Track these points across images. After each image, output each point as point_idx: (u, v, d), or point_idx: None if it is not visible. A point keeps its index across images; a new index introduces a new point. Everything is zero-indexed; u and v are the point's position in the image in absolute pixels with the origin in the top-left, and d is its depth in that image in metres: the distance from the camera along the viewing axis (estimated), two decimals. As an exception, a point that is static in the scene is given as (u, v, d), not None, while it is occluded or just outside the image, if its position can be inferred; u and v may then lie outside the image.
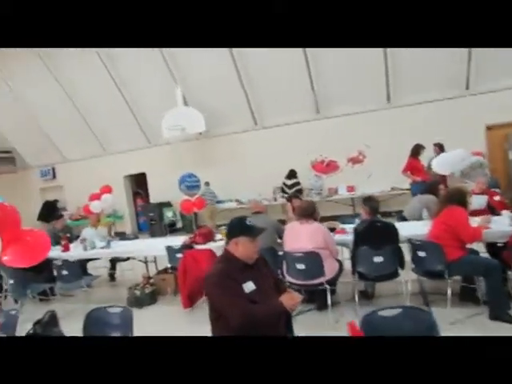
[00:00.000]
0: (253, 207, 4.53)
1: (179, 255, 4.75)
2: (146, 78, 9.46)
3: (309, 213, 3.76)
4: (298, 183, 9.00)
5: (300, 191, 8.65)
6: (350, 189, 9.07)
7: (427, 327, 1.98)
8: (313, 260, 3.61)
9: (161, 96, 9.37)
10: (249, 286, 2.23)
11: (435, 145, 6.67)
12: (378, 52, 7.82)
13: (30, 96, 10.76)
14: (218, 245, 4.79)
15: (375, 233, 3.68)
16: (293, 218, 5.03)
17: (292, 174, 9.04)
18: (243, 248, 2.27)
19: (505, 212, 4.21)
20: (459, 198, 3.59)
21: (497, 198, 4.52)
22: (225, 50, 8.33)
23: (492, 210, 4.47)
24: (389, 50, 7.78)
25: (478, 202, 4.27)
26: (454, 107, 8.00)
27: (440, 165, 4.65)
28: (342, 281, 4.08)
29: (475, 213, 4.12)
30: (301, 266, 3.65)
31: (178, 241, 5.29)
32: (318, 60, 8.33)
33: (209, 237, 5.00)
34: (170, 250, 4.89)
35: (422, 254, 3.64)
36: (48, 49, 8.81)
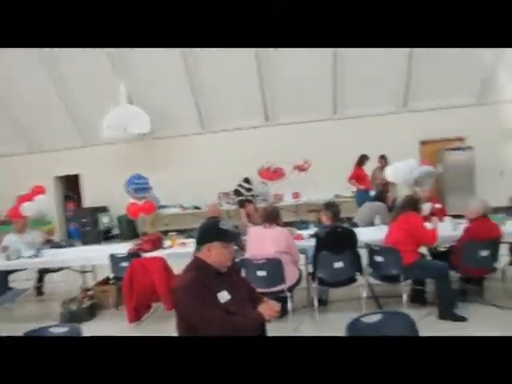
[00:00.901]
0: (210, 211, 4.32)
1: (124, 264, 4.36)
2: (88, 75, 8.75)
3: (273, 217, 3.68)
4: (251, 189, 8.97)
5: (253, 197, 8.61)
6: (295, 196, 9.21)
7: (408, 331, 1.98)
8: (274, 267, 3.51)
9: (103, 94, 8.72)
10: (223, 296, 2.05)
11: (380, 156, 7.04)
12: (327, 64, 8.08)
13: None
14: (166, 252, 4.50)
15: (336, 238, 3.70)
16: (246, 223, 4.90)
17: (247, 180, 9.00)
18: (217, 254, 2.09)
19: (447, 218, 4.49)
20: (414, 205, 3.77)
21: (438, 205, 4.82)
22: (176, 50, 8.01)
23: (432, 215, 4.77)
24: (338, 62, 8.08)
25: (424, 208, 4.51)
26: (394, 122, 8.54)
27: (394, 174, 4.88)
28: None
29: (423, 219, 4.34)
30: (262, 273, 3.53)
31: (119, 248, 4.90)
32: (269, 68, 8.38)
33: (157, 244, 4.67)
34: (114, 258, 4.48)
35: (379, 258, 3.73)
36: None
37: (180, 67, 8.41)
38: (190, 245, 4.55)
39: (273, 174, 9.11)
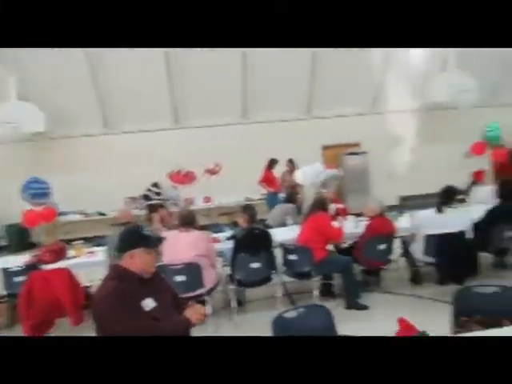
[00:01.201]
0: (121, 217, 4.06)
1: (20, 279, 3.88)
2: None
3: (189, 221, 3.63)
4: (161, 193, 8.62)
5: (163, 201, 8.29)
6: (207, 199, 9.17)
7: (327, 321, 2.14)
8: (193, 271, 3.47)
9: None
10: (148, 303, 1.97)
11: (288, 160, 7.42)
12: (236, 68, 8.24)
13: None
14: (71, 263, 4.14)
15: (253, 240, 3.80)
16: (160, 228, 4.75)
17: (156, 184, 8.61)
18: (140, 261, 2.00)
19: (349, 217, 4.93)
20: (323, 205, 4.07)
21: (341, 205, 5.28)
22: (80, 50, 7.34)
23: (337, 215, 5.21)
24: (248, 67, 8.28)
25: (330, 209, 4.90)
26: (299, 127, 9.09)
27: (303, 176, 5.19)
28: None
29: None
30: (181, 278, 3.46)
31: (10, 262, 4.38)
32: (180, 70, 8.22)
33: (61, 254, 4.24)
34: (7, 273, 3.96)
35: (293, 257, 3.93)
36: None
37: (84, 67, 7.78)
38: (100, 253, 4.26)
39: (183, 177, 8.92)
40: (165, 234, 3.83)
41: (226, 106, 8.75)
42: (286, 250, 3.97)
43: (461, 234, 3.86)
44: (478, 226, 4.12)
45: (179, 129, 9.08)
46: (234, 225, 5.91)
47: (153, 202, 6.45)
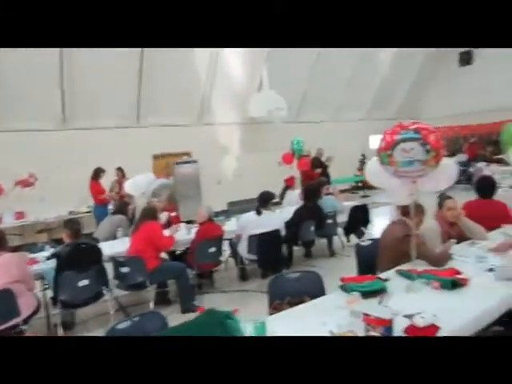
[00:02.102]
0: None
1: None
2: None
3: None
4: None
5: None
6: (19, 215, 7.91)
7: (163, 327, 2.21)
8: (5, 299, 2.99)
9: None
10: None
11: (117, 169, 7.09)
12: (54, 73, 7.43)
13: None
14: None
15: (80, 256, 3.53)
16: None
17: None
18: None
19: (182, 224, 5.09)
20: (152, 214, 4.09)
21: (174, 213, 5.40)
22: None
23: (169, 223, 5.30)
24: (65, 72, 7.57)
25: (162, 217, 4.95)
26: (129, 135, 8.81)
27: (133, 186, 5.05)
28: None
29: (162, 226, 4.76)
30: (-13, 310, 2.94)
31: None
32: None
33: None
34: None
35: (125, 269, 3.83)
36: None
37: None
38: None
39: (-15, 191, 7.48)
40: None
41: (44, 112, 7.79)
42: (117, 262, 3.84)
43: (276, 232, 4.50)
44: (289, 225, 4.88)
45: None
46: (56, 242, 5.34)
47: None
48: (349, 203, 5.64)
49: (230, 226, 5.01)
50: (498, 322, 2.32)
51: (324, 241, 5.74)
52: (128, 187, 5.19)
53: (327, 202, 5.44)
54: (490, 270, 2.52)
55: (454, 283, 2.31)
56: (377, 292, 2.31)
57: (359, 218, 5.58)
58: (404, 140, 1.99)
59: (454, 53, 13.61)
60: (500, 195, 4.15)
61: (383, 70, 12.48)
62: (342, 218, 5.75)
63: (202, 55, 8.91)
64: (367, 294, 2.28)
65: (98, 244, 4.05)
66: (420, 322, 1.77)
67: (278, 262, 4.53)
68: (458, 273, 2.48)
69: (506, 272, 2.37)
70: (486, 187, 3.85)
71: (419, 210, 3.02)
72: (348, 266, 3.38)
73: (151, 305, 3.94)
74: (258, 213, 4.49)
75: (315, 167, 8.49)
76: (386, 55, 12.15)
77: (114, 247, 4.31)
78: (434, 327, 1.79)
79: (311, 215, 4.98)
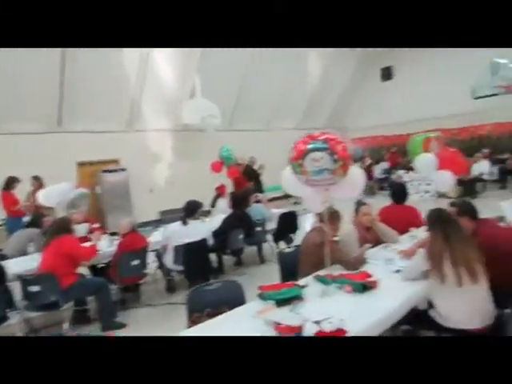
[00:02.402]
0: None
1: None
2: None
3: None
4: None
5: None
6: None
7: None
8: None
9: None
10: None
11: (33, 178, 6.53)
12: None
13: None
14: None
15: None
16: None
17: None
18: None
19: (104, 236, 4.80)
20: (65, 227, 3.78)
21: (96, 224, 5.09)
22: None
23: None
24: None
25: (81, 229, 4.64)
26: (49, 141, 8.17)
27: (47, 197, 4.66)
28: None
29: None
30: None
31: None
32: None
33: None
34: None
35: (35, 288, 3.49)
36: None
37: None
38: None
39: None
40: None
41: None
42: (26, 281, 3.49)
43: (203, 241, 4.41)
44: (217, 233, 4.82)
45: None
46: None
47: None
48: (277, 210, 5.73)
49: (156, 237, 4.84)
50: (406, 321, 2.49)
51: (255, 248, 5.77)
52: (41, 198, 4.79)
53: (256, 210, 5.48)
54: (398, 271, 2.69)
55: (365, 286, 2.43)
56: (292, 299, 2.35)
57: (288, 225, 5.69)
58: (313, 150, 2.05)
59: (376, 68, 14.68)
60: (415, 200, 4.53)
61: (313, 82, 13.04)
62: (272, 225, 5.83)
63: (131, 55, 8.58)
64: (282, 302, 2.30)
65: (5, 261, 3.68)
66: (327, 327, 1.81)
67: (206, 271, 4.45)
68: (369, 276, 2.61)
69: (411, 273, 2.54)
70: (399, 193, 4.13)
71: (335, 216, 3.15)
72: (278, 273, 3.42)
73: (65, 326, 3.63)
74: (184, 223, 4.38)
75: (248, 175, 8.55)
76: (315, 67, 12.74)
77: (23, 264, 3.93)
78: (342, 331, 1.84)
79: (240, 223, 4.98)
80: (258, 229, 5.44)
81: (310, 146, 2.07)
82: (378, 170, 12.73)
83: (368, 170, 12.18)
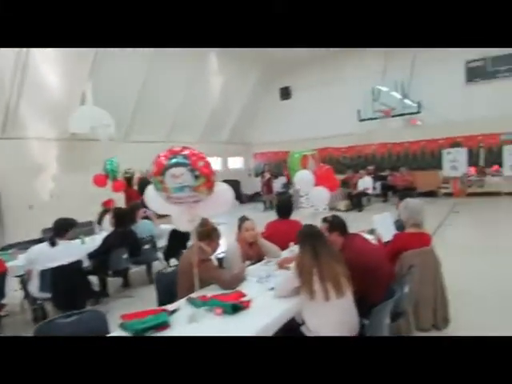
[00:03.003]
0: None
1: None
2: None
3: None
4: None
5: None
6: None
7: None
8: None
9: None
10: None
11: None
12: None
13: None
14: None
15: None
16: None
17: None
18: None
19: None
20: None
21: None
22: None
23: None
24: None
25: None
26: None
27: None
28: None
29: None
30: None
31: None
32: None
33: None
34: None
35: None
36: None
37: None
38: None
39: None
40: None
41: None
42: None
43: (75, 263, 3.92)
44: (95, 254, 4.37)
45: None
46: None
47: None
48: (167, 226, 5.44)
49: (21, 261, 4.20)
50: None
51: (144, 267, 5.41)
52: None
53: (143, 227, 5.14)
54: (272, 288, 2.66)
55: (235, 307, 2.33)
56: (157, 327, 2.15)
57: (179, 242, 5.44)
58: (173, 165, 1.91)
59: (275, 87, 15.40)
60: (308, 214, 4.66)
61: (214, 94, 13.10)
62: (163, 242, 5.54)
63: (5, 54, 7.57)
64: (146, 331, 2.09)
65: None
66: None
67: (81, 297, 3.96)
68: (242, 295, 2.53)
69: (282, 290, 2.53)
70: (283, 208, 4.21)
71: (215, 234, 3.05)
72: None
73: None
74: (52, 244, 3.85)
75: (143, 189, 8.07)
76: (216, 80, 12.82)
77: None
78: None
79: (122, 242, 4.58)
80: (147, 247, 5.10)
81: (170, 162, 1.92)
82: (278, 185, 13.21)
83: (267, 185, 12.57)
